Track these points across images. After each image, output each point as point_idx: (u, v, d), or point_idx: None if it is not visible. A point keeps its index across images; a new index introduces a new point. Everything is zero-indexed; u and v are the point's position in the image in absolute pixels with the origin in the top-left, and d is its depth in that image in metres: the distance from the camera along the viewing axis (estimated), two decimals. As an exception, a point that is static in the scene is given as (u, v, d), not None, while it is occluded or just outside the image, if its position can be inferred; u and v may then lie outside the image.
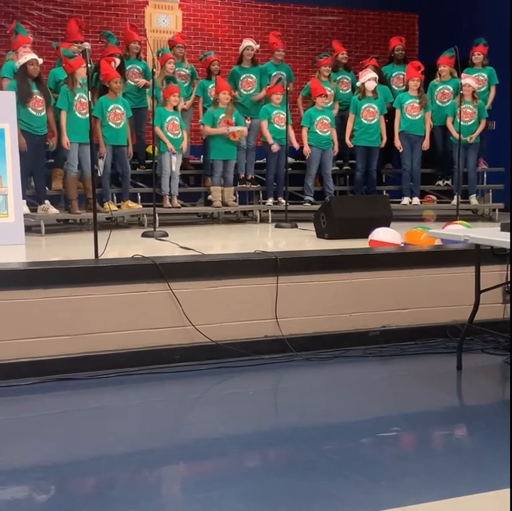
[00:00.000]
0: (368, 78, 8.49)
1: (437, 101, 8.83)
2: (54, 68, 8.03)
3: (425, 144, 8.64)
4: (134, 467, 3.13)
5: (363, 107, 8.51)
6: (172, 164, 7.96)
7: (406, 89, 8.71)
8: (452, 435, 3.71)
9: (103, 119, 7.55)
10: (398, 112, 8.62)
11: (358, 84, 8.65)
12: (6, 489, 2.90)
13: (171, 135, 7.94)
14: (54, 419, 3.77)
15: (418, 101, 8.55)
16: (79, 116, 7.12)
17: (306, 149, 8.50)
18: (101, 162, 7.35)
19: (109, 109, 7.58)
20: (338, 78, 9.23)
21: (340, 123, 8.90)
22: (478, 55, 8.82)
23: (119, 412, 3.87)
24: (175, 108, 8.00)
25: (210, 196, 8.40)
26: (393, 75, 9.38)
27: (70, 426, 3.64)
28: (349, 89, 9.24)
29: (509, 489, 2.61)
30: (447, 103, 8.71)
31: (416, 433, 3.63)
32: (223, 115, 8.21)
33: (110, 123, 7.60)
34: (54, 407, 3.94)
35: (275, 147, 8.41)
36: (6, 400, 3.94)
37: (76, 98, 7.16)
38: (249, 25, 11.16)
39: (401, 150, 8.63)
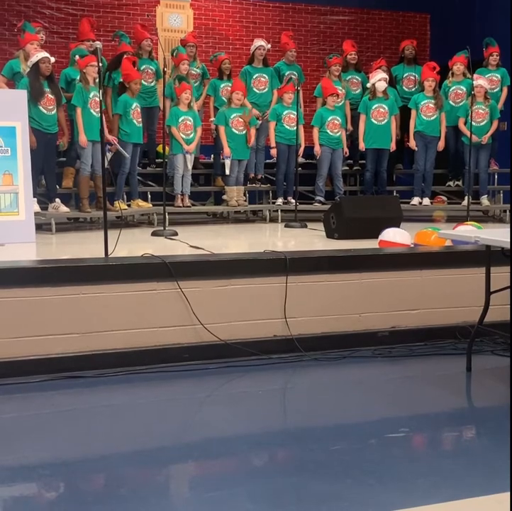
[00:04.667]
0: (378, 78, 8.47)
1: (450, 102, 8.79)
2: (66, 68, 8.05)
3: (441, 145, 8.60)
4: (143, 465, 3.13)
5: (373, 107, 8.49)
6: (187, 161, 7.98)
7: (422, 90, 8.66)
8: (461, 436, 3.70)
9: (127, 116, 7.59)
10: (413, 113, 8.59)
11: (368, 84, 8.63)
12: (15, 485, 2.91)
13: (184, 136, 7.95)
14: (63, 416, 3.78)
15: (433, 101, 8.51)
16: (94, 114, 7.13)
17: (317, 149, 8.49)
18: (109, 155, 7.33)
19: (132, 107, 7.63)
20: (348, 78, 9.22)
21: (350, 122, 8.92)
22: (496, 56, 8.79)
23: (128, 410, 3.88)
24: (189, 106, 8.01)
25: (225, 196, 8.39)
26: (404, 76, 9.36)
27: (79, 424, 3.65)
28: (359, 89, 9.23)
29: (509, 493, 2.59)
30: (460, 104, 8.67)
31: (425, 434, 3.62)
32: (235, 115, 8.22)
33: (134, 121, 7.66)
34: (63, 404, 3.95)
35: (273, 152, 8.47)
36: (15, 397, 3.96)
37: (91, 96, 7.18)
38: (260, 24, 11.16)
39: (416, 149, 8.59)
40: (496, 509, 2.64)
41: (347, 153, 8.75)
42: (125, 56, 7.87)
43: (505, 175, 9.21)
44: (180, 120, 7.94)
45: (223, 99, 8.55)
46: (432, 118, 8.56)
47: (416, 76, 9.21)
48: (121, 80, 7.78)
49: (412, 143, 8.61)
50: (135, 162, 7.87)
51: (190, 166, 8.02)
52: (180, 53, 8.55)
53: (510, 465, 2.78)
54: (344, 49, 9.44)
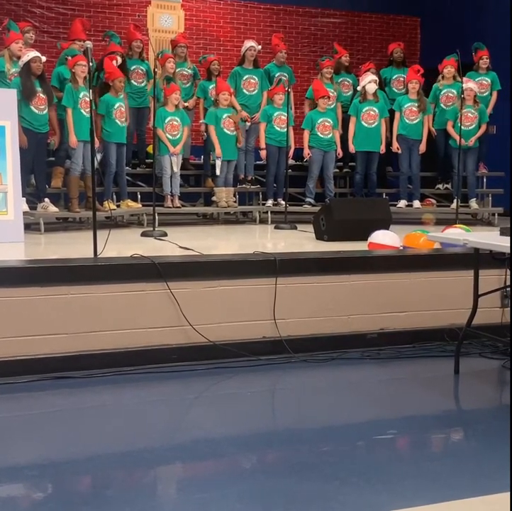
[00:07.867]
0: (368, 81, 8.49)
1: (441, 105, 8.81)
2: (58, 67, 8.01)
3: (422, 147, 8.63)
4: (130, 466, 3.12)
5: (364, 110, 8.51)
6: (173, 164, 7.96)
7: (407, 92, 8.71)
8: (449, 438, 3.71)
9: (109, 116, 7.57)
10: (397, 115, 8.64)
11: (359, 87, 8.65)
12: (1, 486, 2.90)
13: (170, 136, 7.93)
14: (50, 417, 3.77)
15: (416, 104, 8.54)
16: (85, 114, 7.10)
17: (306, 152, 8.49)
18: (98, 156, 7.32)
19: (115, 107, 7.59)
20: (339, 80, 9.24)
21: (341, 125, 8.93)
22: (486, 59, 8.83)
23: (116, 412, 3.87)
24: (176, 106, 7.99)
25: (214, 197, 8.38)
26: (393, 78, 9.38)
27: (67, 425, 3.63)
28: (351, 92, 9.25)
29: (509, 493, 2.60)
30: (451, 107, 8.70)
31: (413, 436, 3.63)
32: (226, 115, 8.21)
33: (116, 121, 7.61)
34: (50, 405, 3.94)
35: (263, 154, 8.48)
36: (2, 398, 3.94)
37: (80, 96, 7.16)
38: (252, 26, 11.17)
39: (399, 152, 8.63)
40: (483, 511, 2.66)
41: (341, 154, 8.76)
42: (106, 56, 7.84)
43: (494, 179, 9.26)
44: (166, 121, 7.91)
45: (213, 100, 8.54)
46: (414, 121, 8.58)
47: (405, 77, 9.24)
48: (104, 80, 7.75)
49: (395, 145, 8.64)
50: (123, 162, 7.83)
51: (176, 168, 7.99)
52: (165, 54, 8.56)
53: (510, 465, 2.79)
54: (337, 50, 9.45)
